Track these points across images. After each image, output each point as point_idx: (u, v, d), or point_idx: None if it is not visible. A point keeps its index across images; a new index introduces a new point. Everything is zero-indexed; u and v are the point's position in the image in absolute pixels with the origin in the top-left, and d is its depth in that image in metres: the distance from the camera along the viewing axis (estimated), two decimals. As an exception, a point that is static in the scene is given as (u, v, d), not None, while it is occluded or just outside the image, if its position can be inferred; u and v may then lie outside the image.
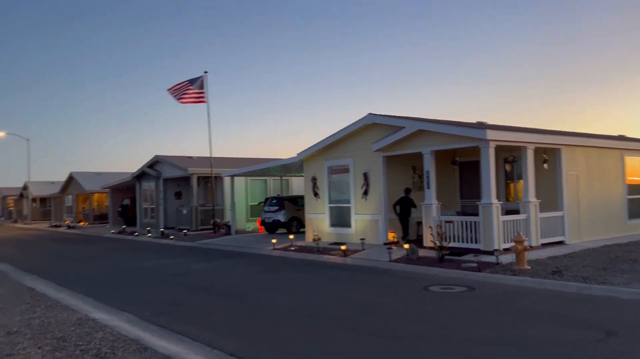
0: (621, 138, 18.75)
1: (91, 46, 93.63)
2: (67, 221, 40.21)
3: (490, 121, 18.47)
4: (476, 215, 12.90)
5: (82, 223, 39.26)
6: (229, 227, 22.95)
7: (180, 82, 24.77)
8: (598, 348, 5.55)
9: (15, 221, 52.25)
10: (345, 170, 16.61)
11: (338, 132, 16.50)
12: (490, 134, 12.48)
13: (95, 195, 40.15)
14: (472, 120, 17.74)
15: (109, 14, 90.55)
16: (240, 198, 24.99)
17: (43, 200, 51.72)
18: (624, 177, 16.24)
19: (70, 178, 42.30)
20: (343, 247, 14.41)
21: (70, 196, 43.47)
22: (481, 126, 14.37)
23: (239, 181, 25.04)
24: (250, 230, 24.60)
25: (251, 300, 8.86)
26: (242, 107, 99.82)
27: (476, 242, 12.68)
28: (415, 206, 14.93)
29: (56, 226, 39.54)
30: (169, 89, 24.73)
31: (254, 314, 7.74)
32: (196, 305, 8.59)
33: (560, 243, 13.76)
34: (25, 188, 50.84)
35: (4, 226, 43.52)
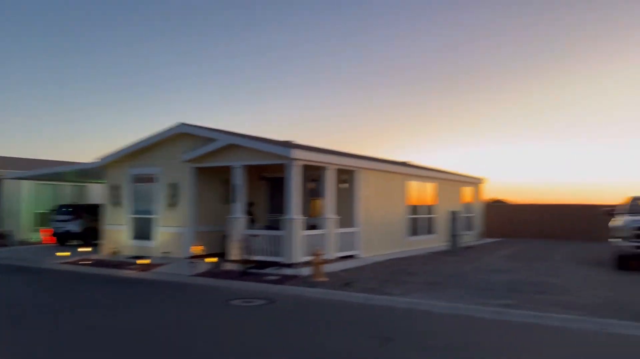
0: (404, 164, 21.43)
1: None
2: None
3: (304, 141, 19.51)
4: (280, 229, 13.44)
5: None
6: (8, 237, 20.03)
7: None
8: (376, 353, 6.19)
9: None
10: (152, 180, 15.86)
11: (146, 138, 15.73)
12: (295, 153, 13.18)
13: None
14: (283, 137, 18.56)
15: None
16: (25, 205, 22.07)
17: None
18: (405, 198, 18.53)
19: None
20: (144, 261, 13.70)
21: None
22: (288, 145, 15.09)
23: (25, 186, 22.12)
24: (34, 240, 21.82)
25: (31, 324, 7.85)
26: (31, 102, 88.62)
27: (279, 255, 13.18)
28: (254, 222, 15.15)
29: None
30: None
31: (31, 340, 6.86)
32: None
33: (353, 256, 15.07)
34: None
35: None
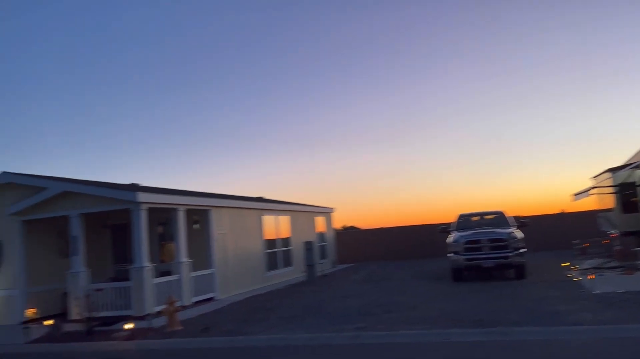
0: (260, 199, 21.55)
1: None
2: None
3: (152, 183, 18.57)
4: (129, 279, 12.52)
5: None
6: None
7: None
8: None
9: None
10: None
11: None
12: (142, 196, 12.49)
13: None
14: (127, 181, 17.49)
15: None
16: None
17: None
18: (262, 233, 18.55)
19: None
20: (-37, 334, 11.74)
21: None
22: (133, 188, 14.27)
23: None
24: None
25: None
26: None
27: (129, 308, 12.23)
28: None
29: None
30: None
31: None
32: None
33: (211, 299, 14.58)
34: None
35: None
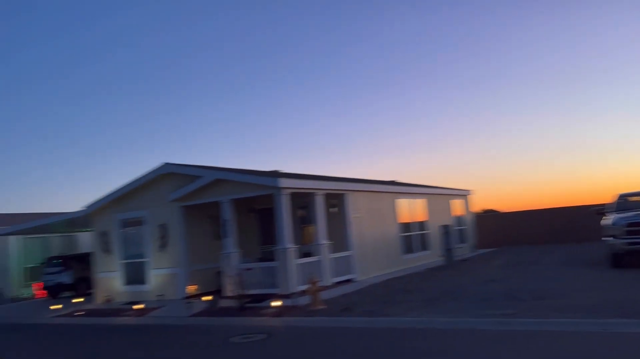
0: (393, 183, 21.51)
1: None
2: None
3: (287, 168, 19.52)
4: (274, 260, 13.32)
5: None
6: (0, 295, 19.65)
7: None
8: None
9: None
10: (140, 223, 15.73)
11: (131, 182, 15.66)
12: (283, 182, 13.18)
13: None
14: (270, 168, 18.58)
15: None
16: (14, 260, 21.69)
17: None
18: (396, 217, 18.52)
19: None
20: (139, 306, 13.47)
21: None
22: (275, 175, 15.10)
23: (13, 241, 21.78)
24: (26, 296, 21.39)
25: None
26: (13, 155, 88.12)
27: (275, 287, 13.03)
28: None
29: None
30: None
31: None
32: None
33: (350, 280, 14.96)
34: None
35: None
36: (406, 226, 19.05)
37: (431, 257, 19.85)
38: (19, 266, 22.34)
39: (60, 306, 15.68)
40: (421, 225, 20.16)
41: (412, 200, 19.75)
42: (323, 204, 14.66)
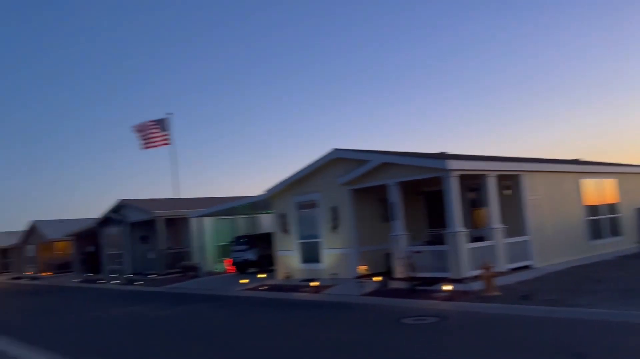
0: (576, 162, 19.47)
1: (48, 92, 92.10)
2: (30, 272, 38.67)
3: (455, 149, 18.92)
4: (443, 243, 13.05)
5: (45, 274, 37.80)
6: (197, 270, 22.51)
7: (146, 121, 24.62)
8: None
9: (-27, 276, 49.87)
10: (314, 205, 16.64)
11: (304, 167, 16.61)
12: (451, 164, 12.78)
13: (59, 243, 38.87)
14: (436, 149, 18.19)
15: (61, 53, 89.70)
16: (208, 239, 24.63)
17: (2, 252, 49.71)
18: (581, 199, 16.75)
19: (32, 227, 40.91)
20: (314, 284, 14.30)
21: (31, 246, 41.92)
22: (442, 156, 14.72)
23: (207, 222, 24.72)
24: (219, 271, 24.17)
25: (222, 344, 8.64)
26: (207, 146, 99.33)
27: (445, 271, 12.78)
28: None
29: (17, 278, 37.96)
30: (134, 127, 24.51)
31: (208, 355, 7.53)
32: (169, 353, 8.32)
33: (527, 267, 13.99)
34: (-18, 240, 48.83)
35: (-40, 282, 41.43)
36: (593, 210, 17.13)
37: (624, 244, 17.59)
38: (213, 245, 25.32)
39: (247, 280, 17.39)
40: (611, 207, 17.96)
41: (599, 180, 17.68)
42: (495, 186, 13.89)
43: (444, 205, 13.09)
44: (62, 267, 38.36)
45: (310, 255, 16.77)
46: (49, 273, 37.75)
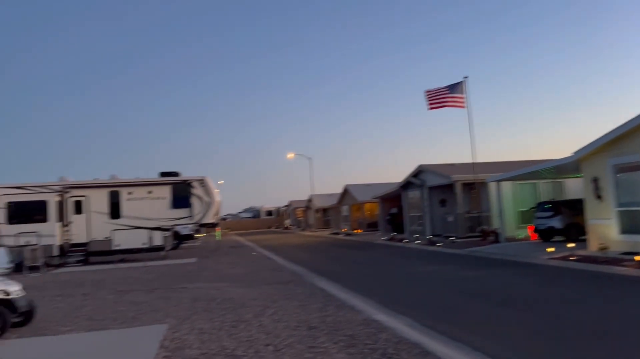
0: None
1: (353, 62, 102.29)
2: (344, 229, 44.52)
3: None
4: None
5: (356, 231, 42.96)
6: (497, 235, 22.05)
7: (439, 87, 25.03)
8: None
9: (303, 230, 60.23)
10: (638, 168, 14.24)
11: (626, 123, 14.26)
12: None
13: (367, 204, 43.56)
14: None
15: (367, 22, 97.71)
16: (507, 204, 23.78)
17: (324, 210, 58.43)
18: None
19: (345, 190, 46.91)
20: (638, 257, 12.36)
21: (345, 207, 48.13)
22: None
23: (505, 187, 23.87)
24: (520, 237, 23.15)
25: (533, 312, 8.27)
26: (503, 110, 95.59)
27: None
28: None
29: (335, 233, 44.15)
30: (426, 92, 25.21)
31: (541, 329, 7.18)
32: (473, 313, 8.46)
33: None
34: (309, 200, 58.56)
35: (295, 234, 50.62)
36: None
37: None
38: (513, 210, 24.34)
39: (552, 249, 16.19)
40: None
41: None
42: None
43: None
44: (370, 226, 42.91)
45: (634, 225, 14.48)
46: (359, 231, 42.75)
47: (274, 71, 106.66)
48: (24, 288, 8.92)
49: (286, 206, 73.72)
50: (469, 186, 26.69)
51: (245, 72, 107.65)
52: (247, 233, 58.25)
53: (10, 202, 21.84)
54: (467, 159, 27.69)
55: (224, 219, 68.63)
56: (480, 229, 24.50)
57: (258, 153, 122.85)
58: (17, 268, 19.58)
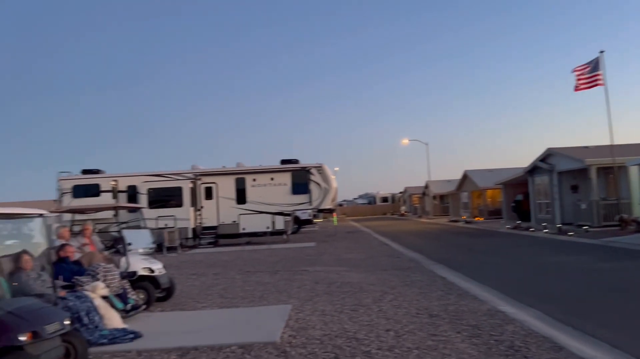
0: None
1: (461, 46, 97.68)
2: (464, 217, 43.00)
3: None
4: None
5: (477, 219, 41.28)
6: (638, 224, 19.91)
7: (583, 64, 23.04)
8: None
9: (420, 217, 59.21)
10: None
11: None
12: None
13: (488, 191, 41.61)
14: None
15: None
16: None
17: (441, 197, 56.91)
18: None
19: (465, 176, 45.19)
20: None
21: (465, 193, 46.43)
22: None
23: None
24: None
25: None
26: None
27: None
28: None
29: (454, 221, 42.83)
30: (574, 70, 23.30)
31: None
32: (609, 308, 7.78)
33: None
34: (426, 186, 57.36)
35: (411, 221, 50.02)
36: None
37: None
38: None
39: None
40: None
41: None
42: None
43: None
44: (492, 213, 40.97)
45: None
46: (480, 218, 41.03)
47: (389, 54, 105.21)
48: (165, 267, 9.85)
49: (402, 192, 72.98)
50: (605, 170, 24.33)
51: (367, 58, 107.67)
52: (362, 219, 58.76)
53: (150, 189, 24.17)
54: (599, 142, 25.24)
55: (340, 205, 69.80)
56: (619, 217, 22.26)
57: (374, 140, 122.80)
58: (158, 249, 21.67)
